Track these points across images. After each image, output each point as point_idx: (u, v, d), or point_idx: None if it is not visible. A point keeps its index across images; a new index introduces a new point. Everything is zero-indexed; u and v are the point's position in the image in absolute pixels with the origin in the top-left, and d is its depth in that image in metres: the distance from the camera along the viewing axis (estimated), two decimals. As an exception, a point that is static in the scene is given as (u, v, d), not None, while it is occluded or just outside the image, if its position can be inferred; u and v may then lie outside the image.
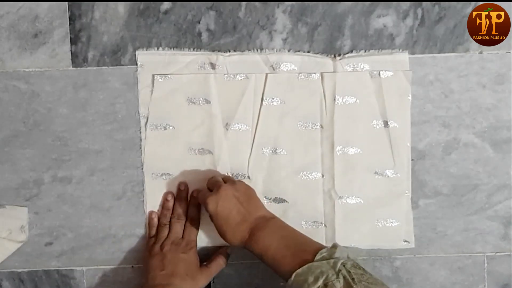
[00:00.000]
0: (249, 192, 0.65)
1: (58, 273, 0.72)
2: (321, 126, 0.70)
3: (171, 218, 0.69)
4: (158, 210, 0.71)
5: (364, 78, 0.69)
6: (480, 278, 0.72)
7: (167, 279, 0.62)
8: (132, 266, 0.72)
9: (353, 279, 0.52)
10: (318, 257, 0.55)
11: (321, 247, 0.58)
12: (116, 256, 0.72)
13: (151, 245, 0.67)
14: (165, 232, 0.68)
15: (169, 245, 0.66)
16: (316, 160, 0.70)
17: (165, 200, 0.70)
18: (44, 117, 0.70)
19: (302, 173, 0.70)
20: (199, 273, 0.65)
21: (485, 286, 0.72)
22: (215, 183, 0.65)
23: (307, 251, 0.57)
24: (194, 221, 0.69)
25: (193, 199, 0.70)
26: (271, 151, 0.70)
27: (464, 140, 0.71)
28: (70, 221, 0.71)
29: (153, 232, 0.69)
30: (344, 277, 0.52)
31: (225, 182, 0.64)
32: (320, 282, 0.52)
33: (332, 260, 0.54)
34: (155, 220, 0.70)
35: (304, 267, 0.54)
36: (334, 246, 0.58)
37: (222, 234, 0.63)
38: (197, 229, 0.69)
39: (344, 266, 0.53)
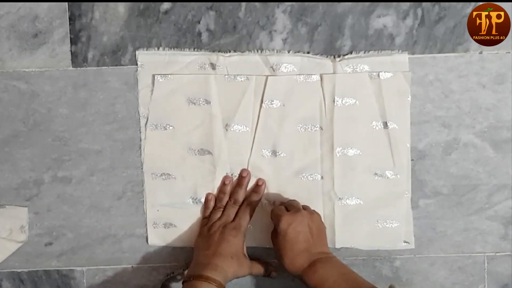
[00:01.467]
0: (321, 227, 0.65)
1: (58, 273, 0.72)
2: (321, 128, 0.69)
3: (227, 202, 0.69)
4: (157, 210, 0.71)
5: (363, 79, 0.69)
6: (480, 278, 0.72)
7: (209, 258, 0.62)
8: (132, 266, 0.72)
9: None
10: None
11: None
12: (116, 256, 0.72)
13: (202, 226, 0.68)
14: (217, 214, 0.68)
15: (217, 227, 0.66)
16: (316, 161, 0.70)
17: (222, 184, 0.70)
18: (44, 117, 0.70)
19: (301, 175, 0.70)
20: (243, 258, 0.65)
21: (485, 286, 0.72)
22: (294, 206, 0.65)
23: None
24: (249, 207, 0.68)
25: (257, 187, 0.69)
26: (270, 153, 0.70)
27: (464, 140, 0.70)
28: (70, 221, 0.71)
29: (208, 213, 0.69)
30: None
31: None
32: None
33: None
34: (212, 202, 0.69)
35: None
36: (392, 286, 0.57)
37: (280, 256, 0.62)
38: (250, 216, 0.68)
39: None
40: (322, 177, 0.70)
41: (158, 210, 0.71)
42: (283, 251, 0.62)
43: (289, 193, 0.70)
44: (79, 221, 0.71)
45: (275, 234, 0.64)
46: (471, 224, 0.72)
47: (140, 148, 0.70)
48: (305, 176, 0.70)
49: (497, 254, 0.72)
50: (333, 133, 0.69)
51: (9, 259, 0.70)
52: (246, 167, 0.70)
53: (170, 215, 0.71)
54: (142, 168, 0.70)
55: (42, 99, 0.70)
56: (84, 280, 0.72)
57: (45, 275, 0.72)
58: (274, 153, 0.70)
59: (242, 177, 0.69)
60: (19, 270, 0.72)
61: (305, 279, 0.60)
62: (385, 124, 0.69)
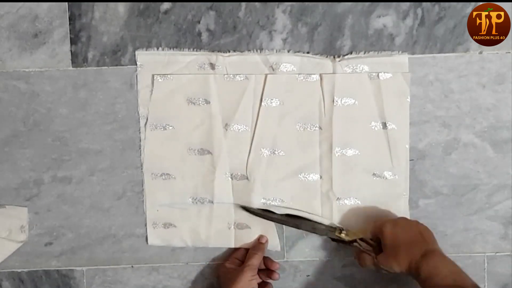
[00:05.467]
0: (428, 229, 0.64)
1: (58, 273, 0.72)
2: (320, 128, 0.69)
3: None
4: (157, 210, 0.71)
5: (363, 79, 0.69)
6: (480, 278, 0.72)
7: None
8: (132, 266, 0.72)
9: None
10: None
11: None
12: (116, 256, 0.72)
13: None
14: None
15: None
16: (315, 161, 0.70)
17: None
18: (44, 117, 0.70)
19: (300, 174, 0.70)
20: None
21: (485, 286, 0.72)
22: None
23: None
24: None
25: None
26: (269, 152, 0.70)
27: (464, 140, 0.70)
28: (70, 221, 0.71)
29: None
30: None
31: None
32: None
33: None
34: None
35: None
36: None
37: (392, 254, 0.62)
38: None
39: None
40: (320, 177, 0.70)
41: (157, 210, 0.71)
42: (393, 252, 0.61)
43: (287, 193, 0.70)
44: (79, 221, 0.71)
45: (379, 248, 0.64)
46: (471, 224, 0.72)
47: (140, 148, 0.70)
48: (304, 176, 0.70)
49: (497, 254, 0.72)
50: (332, 133, 0.69)
51: (9, 259, 0.70)
52: (245, 167, 0.70)
53: (170, 215, 0.71)
54: (142, 168, 0.70)
55: (42, 99, 0.70)
56: (84, 280, 0.72)
57: (45, 275, 0.72)
58: (273, 152, 0.70)
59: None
60: (19, 270, 0.72)
61: (418, 270, 0.59)
62: (384, 125, 0.69)
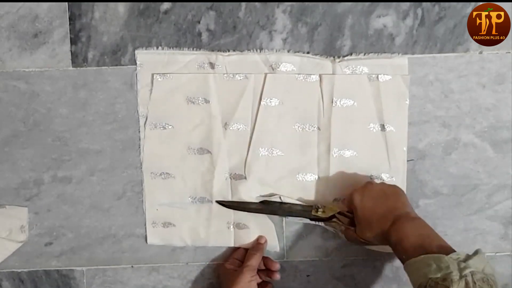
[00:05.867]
0: (397, 190, 0.65)
1: (58, 273, 0.72)
2: (318, 128, 0.69)
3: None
4: (156, 209, 0.71)
5: (362, 81, 0.69)
6: (480, 278, 0.72)
7: None
8: (132, 266, 0.72)
9: None
10: (454, 256, 0.53)
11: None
12: (116, 256, 0.72)
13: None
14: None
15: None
16: (312, 161, 0.70)
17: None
18: (44, 117, 0.70)
19: (298, 175, 0.70)
20: None
21: (485, 286, 0.72)
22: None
23: (445, 252, 0.55)
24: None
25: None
26: (267, 152, 0.70)
27: (464, 140, 0.70)
28: (70, 221, 0.71)
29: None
30: (467, 283, 0.50)
31: None
32: (440, 274, 0.51)
33: (463, 263, 0.52)
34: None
35: (435, 255, 0.53)
36: (476, 252, 0.55)
37: (365, 225, 0.62)
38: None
39: (472, 275, 0.51)
40: (318, 177, 0.70)
41: (157, 210, 0.71)
42: (366, 222, 0.62)
43: (285, 192, 0.70)
44: (79, 221, 0.71)
45: (353, 219, 0.65)
46: (471, 224, 0.71)
47: (140, 147, 0.70)
48: (301, 176, 0.70)
49: (497, 254, 0.72)
50: (330, 133, 0.69)
51: (9, 259, 0.71)
52: (244, 167, 0.70)
53: (169, 215, 0.71)
54: (141, 168, 0.70)
55: (42, 99, 0.70)
56: (84, 280, 0.72)
57: (45, 275, 0.72)
58: (271, 151, 0.70)
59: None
60: (19, 270, 0.72)
61: (388, 238, 0.59)
62: (383, 127, 0.69)
